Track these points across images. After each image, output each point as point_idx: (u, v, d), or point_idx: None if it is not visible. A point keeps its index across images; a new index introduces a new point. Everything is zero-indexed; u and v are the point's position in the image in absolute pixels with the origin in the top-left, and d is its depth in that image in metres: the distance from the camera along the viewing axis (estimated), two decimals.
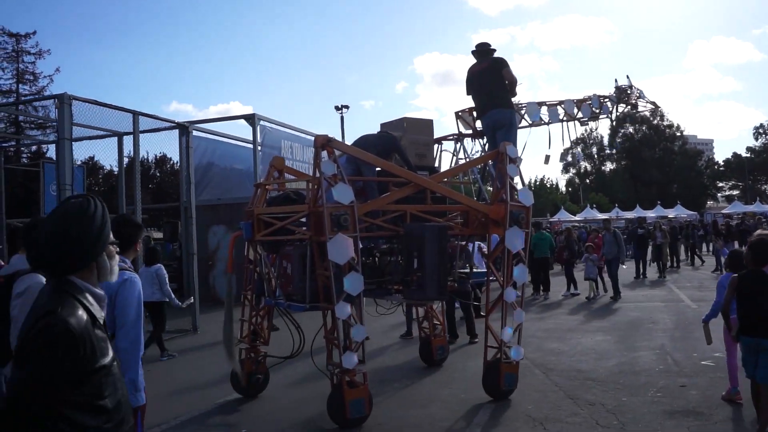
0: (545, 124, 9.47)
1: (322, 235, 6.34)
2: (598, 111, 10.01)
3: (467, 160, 8.94)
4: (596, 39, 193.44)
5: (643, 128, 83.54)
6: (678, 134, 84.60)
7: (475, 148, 9.06)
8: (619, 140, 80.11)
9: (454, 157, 9.03)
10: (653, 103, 10.62)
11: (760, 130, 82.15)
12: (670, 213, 56.79)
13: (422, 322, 9.43)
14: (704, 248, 29.14)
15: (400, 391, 7.84)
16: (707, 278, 20.31)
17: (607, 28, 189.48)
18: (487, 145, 8.68)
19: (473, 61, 8.65)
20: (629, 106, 10.37)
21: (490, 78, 8.40)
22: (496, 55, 8.46)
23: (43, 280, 4.49)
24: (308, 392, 7.85)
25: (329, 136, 6.53)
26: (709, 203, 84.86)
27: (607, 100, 9.98)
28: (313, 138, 23.38)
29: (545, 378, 8.10)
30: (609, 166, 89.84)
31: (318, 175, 6.45)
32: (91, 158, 32.06)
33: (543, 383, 7.86)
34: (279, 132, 19.60)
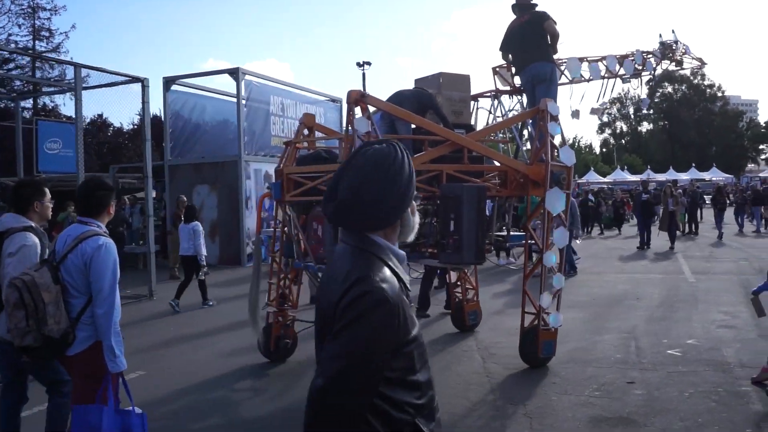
0: (585, 81, 9.00)
1: None
2: (641, 68, 9.47)
3: (505, 118, 8.54)
4: None
5: (683, 87, 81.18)
6: (719, 94, 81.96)
7: (513, 105, 8.64)
8: (657, 100, 77.86)
9: (491, 115, 8.63)
10: (700, 60, 10.01)
11: None
12: (706, 175, 55.46)
13: (455, 287, 9.18)
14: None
15: (433, 357, 7.63)
16: (721, 247, 19.22)
17: None
18: (526, 102, 8.26)
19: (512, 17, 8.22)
20: (674, 63, 9.79)
21: (531, 31, 7.95)
22: (538, 9, 8.01)
23: (34, 240, 4.35)
24: None
25: (362, 91, 6.19)
26: (751, 166, 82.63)
27: (651, 55, 9.43)
28: (313, 95, 22.77)
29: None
30: (646, 126, 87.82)
31: (351, 132, 6.14)
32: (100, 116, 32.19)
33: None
34: (267, 87, 19.06)
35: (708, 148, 79.08)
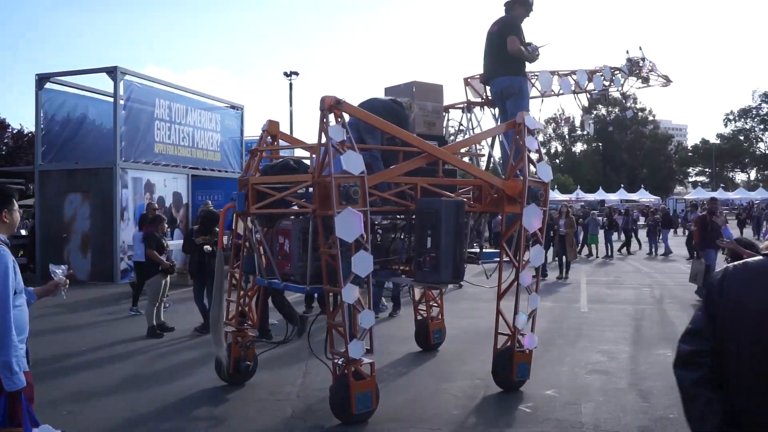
0: (555, 95, 8.84)
1: (327, 209, 5.64)
2: (608, 84, 9.40)
3: (474, 130, 8.27)
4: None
5: (615, 110, 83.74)
6: (650, 118, 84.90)
7: (484, 118, 8.39)
8: (591, 122, 79.90)
9: (461, 127, 8.34)
10: (665, 77, 10.02)
11: (730, 117, 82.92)
12: (634, 196, 57.19)
13: (418, 304, 8.84)
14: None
15: (395, 380, 7.23)
16: (632, 270, 18.78)
17: None
18: (498, 114, 8.01)
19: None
20: (640, 80, 9.76)
21: (498, 42, 7.70)
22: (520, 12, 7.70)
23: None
24: (302, 382, 7.18)
25: (338, 97, 5.79)
26: (679, 189, 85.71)
27: (619, 72, 9.37)
28: (211, 101, 21.46)
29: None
30: (580, 147, 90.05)
31: (324, 141, 5.72)
32: None
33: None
34: (153, 89, 17.70)
35: (638, 169, 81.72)
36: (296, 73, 37.01)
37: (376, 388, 5.87)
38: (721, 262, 13.72)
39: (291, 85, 36.85)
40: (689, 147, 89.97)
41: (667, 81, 10.14)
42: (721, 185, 70.42)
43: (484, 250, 7.34)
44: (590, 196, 54.30)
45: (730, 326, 2.11)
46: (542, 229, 6.84)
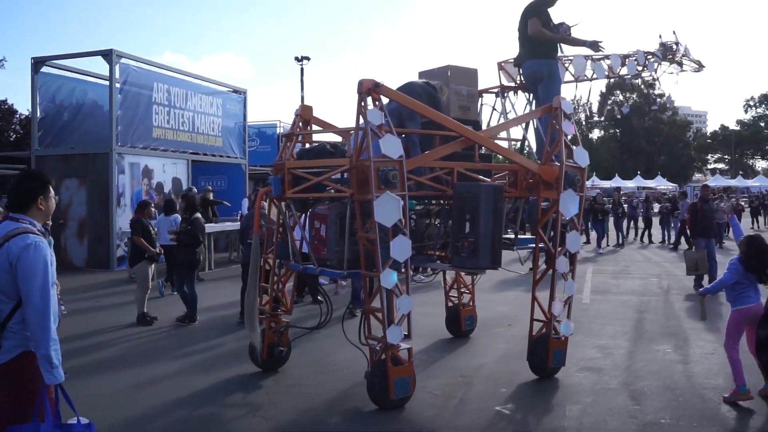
0: (589, 79, 8.70)
1: (365, 194, 5.58)
2: (641, 69, 9.23)
3: (509, 115, 8.16)
4: None
5: (633, 96, 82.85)
6: (659, 100, 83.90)
7: (517, 102, 8.26)
8: (609, 107, 79.04)
9: (494, 112, 8.23)
10: (698, 62, 9.81)
11: (750, 103, 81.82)
12: (651, 183, 56.70)
13: (449, 291, 8.79)
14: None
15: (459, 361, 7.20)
16: (642, 260, 18.25)
17: None
18: (532, 99, 7.90)
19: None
20: (674, 64, 9.57)
21: (524, 25, 7.57)
22: None
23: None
24: (335, 368, 7.16)
25: (376, 80, 5.71)
26: (698, 176, 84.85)
27: (652, 56, 9.19)
28: (212, 85, 20.67)
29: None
30: (597, 133, 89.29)
31: (363, 124, 5.65)
32: None
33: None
34: (151, 73, 17.35)
35: (656, 156, 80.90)
36: (308, 58, 36.99)
37: (413, 374, 5.84)
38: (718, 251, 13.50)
39: (302, 69, 36.83)
40: (708, 134, 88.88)
41: (700, 66, 9.93)
42: (740, 172, 69.66)
43: (519, 236, 7.24)
44: (606, 183, 53.79)
45: None
46: (579, 214, 6.76)
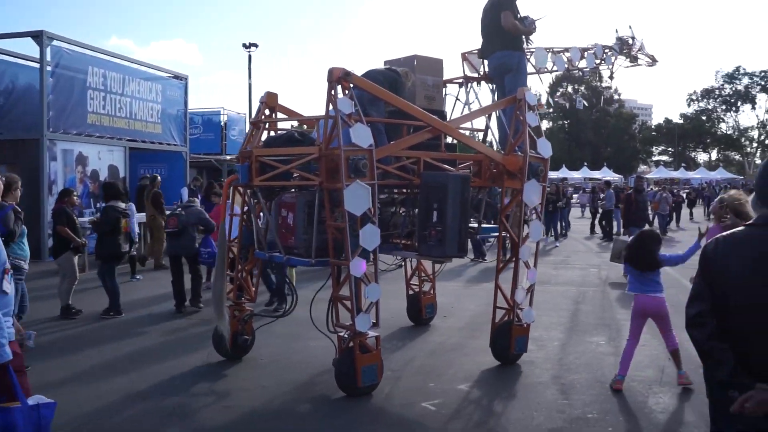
0: (548, 71, 8.85)
1: (335, 182, 5.59)
2: (599, 62, 9.42)
3: (472, 105, 8.25)
4: None
5: (581, 89, 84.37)
6: (616, 97, 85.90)
7: (480, 93, 8.37)
8: (557, 99, 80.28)
9: (457, 102, 8.30)
10: (652, 57, 10.07)
11: (693, 97, 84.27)
12: (597, 174, 58.05)
13: (410, 278, 8.87)
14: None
15: (392, 354, 7.26)
16: (584, 250, 18.49)
17: None
18: (495, 90, 8.00)
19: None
20: (629, 59, 9.80)
21: (494, 17, 7.66)
22: None
23: None
24: (300, 356, 7.17)
25: (347, 69, 5.71)
26: (642, 167, 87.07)
27: (610, 50, 9.39)
28: (152, 70, 19.36)
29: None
30: (545, 124, 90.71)
31: (332, 113, 5.65)
32: None
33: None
34: (85, 57, 16.62)
35: (603, 148, 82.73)
36: (256, 45, 36.60)
37: (381, 362, 5.89)
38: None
39: (250, 57, 36.33)
40: (653, 126, 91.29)
41: (654, 61, 10.20)
42: (683, 165, 71.86)
43: (483, 225, 7.35)
44: (553, 174, 54.76)
45: (724, 286, 2.59)
46: (541, 204, 6.90)
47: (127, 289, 10.64)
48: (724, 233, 2.76)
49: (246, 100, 39.01)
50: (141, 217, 13.89)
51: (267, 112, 7.00)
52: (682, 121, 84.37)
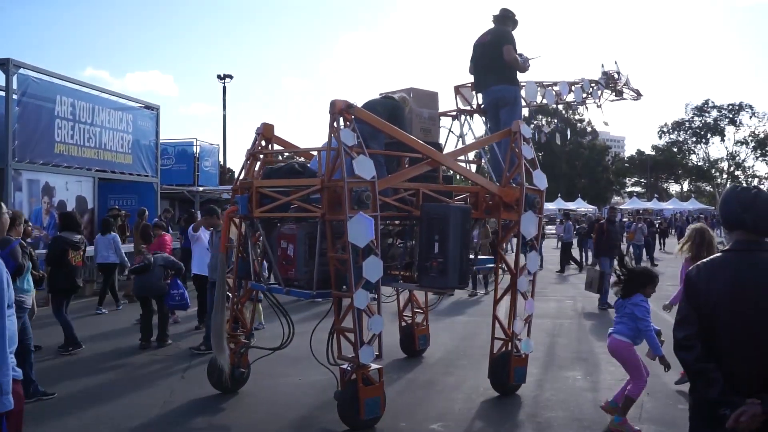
0: (537, 105, 9.00)
1: (337, 214, 5.60)
2: (586, 96, 9.61)
3: (465, 138, 8.35)
4: None
5: (554, 121, 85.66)
6: (589, 129, 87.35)
7: (473, 126, 8.45)
8: (532, 130, 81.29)
9: (451, 134, 8.39)
10: (637, 91, 10.31)
11: (664, 129, 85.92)
12: (571, 206, 58.81)
13: (403, 310, 8.85)
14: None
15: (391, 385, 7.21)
16: (557, 282, 18.06)
17: None
18: (488, 122, 8.10)
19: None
20: (615, 93, 10.02)
21: (492, 52, 7.81)
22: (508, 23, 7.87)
23: None
24: (297, 389, 7.09)
25: (349, 101, 5.76)
26: (616, 198, 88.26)
27: (597, 84, 9.60)
28: (123, 100, 19.08)
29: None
30: None
31: (335, 144, 5.68)
32: None
33: None
34: (54, 85, 16.17)
35: (577, 179, 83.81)
36: (230, 76, 36.76)
37: (384, 394, 5.84)
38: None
39: (224, 88, 36.49)
40: (626, 158, 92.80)
41: (638, 95, 10.44)
42: (656, 195, 72.97)
43: (479, 257, 7.39)
44: None
45: (709, 307, 2.82)
46: (538, 235, 6.97)
47: (96, 322, 10.65)
48: (705, 260, 3.02)
49: (220, 130, 38.94)
50: (129, 248, 13.72)
51: (263, 143, 7.02)
52: (654, 153, 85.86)
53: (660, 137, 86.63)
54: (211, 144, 27.71)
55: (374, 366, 5.75)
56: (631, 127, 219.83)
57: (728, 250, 2.95)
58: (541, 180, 7.00)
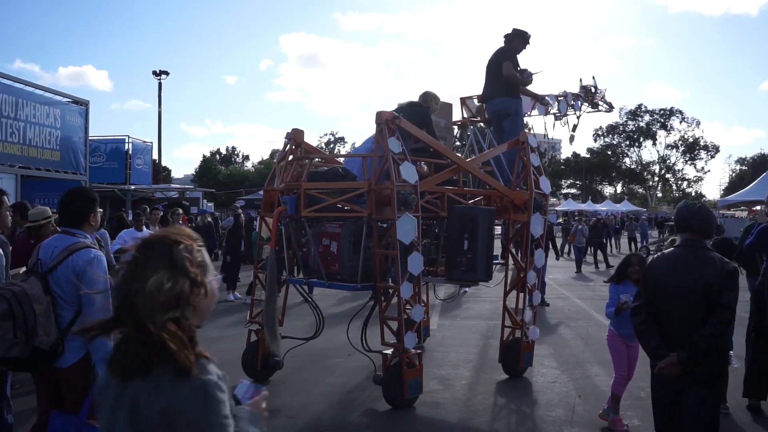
0: (529, 116, 9.82)
1: (384, 214, 6.27)
2: (568, 107, 10.48)
3: (469, 146, 9.12)
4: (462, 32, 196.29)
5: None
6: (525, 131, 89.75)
7: (478, 134, 9.20)
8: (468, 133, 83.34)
9: (456, 142, 9.14)
10: (609, 104, 11.26)
11: (599, 133, 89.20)
12: None
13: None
14: None
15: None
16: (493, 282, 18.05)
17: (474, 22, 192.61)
18: (492, 132, 8.88)
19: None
20: (590, 105, 10.92)
21: (495, 65, 8.57)
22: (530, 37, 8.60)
23: None
24: (338, 374, 7.71)
25: (394, 113, 6.43)
26: (552, 200, 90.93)
27: (578, 97, 10.48)
28: (51, 94, 18.93)
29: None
30: None
31: (383, 151, 6.34)
32: None
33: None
34: None
35: None
36: (166, 73, 36.70)
37: (422, 376, 6.54)
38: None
39: (160, 84, 36.35)
40: (562, 160, 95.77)
41: (611, 107, 11.39)
42: (590, 197, 75.72)
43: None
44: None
45: (656, 291, 4.09)
46: (543, 234, 7.78)
47: None
48: (658, 253, 4.37)
49: (155, 127, 38.58)
50: None
51: (294, 148, 7.61)
52: (589, 156, 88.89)
53: (595, 140, 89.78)
54: (145, 141, 27.34)
55: (416, 350, 6.45)
56: (567, 130, 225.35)
57: (677, 245, 4.22)
58: (546, 185, 7.82)
